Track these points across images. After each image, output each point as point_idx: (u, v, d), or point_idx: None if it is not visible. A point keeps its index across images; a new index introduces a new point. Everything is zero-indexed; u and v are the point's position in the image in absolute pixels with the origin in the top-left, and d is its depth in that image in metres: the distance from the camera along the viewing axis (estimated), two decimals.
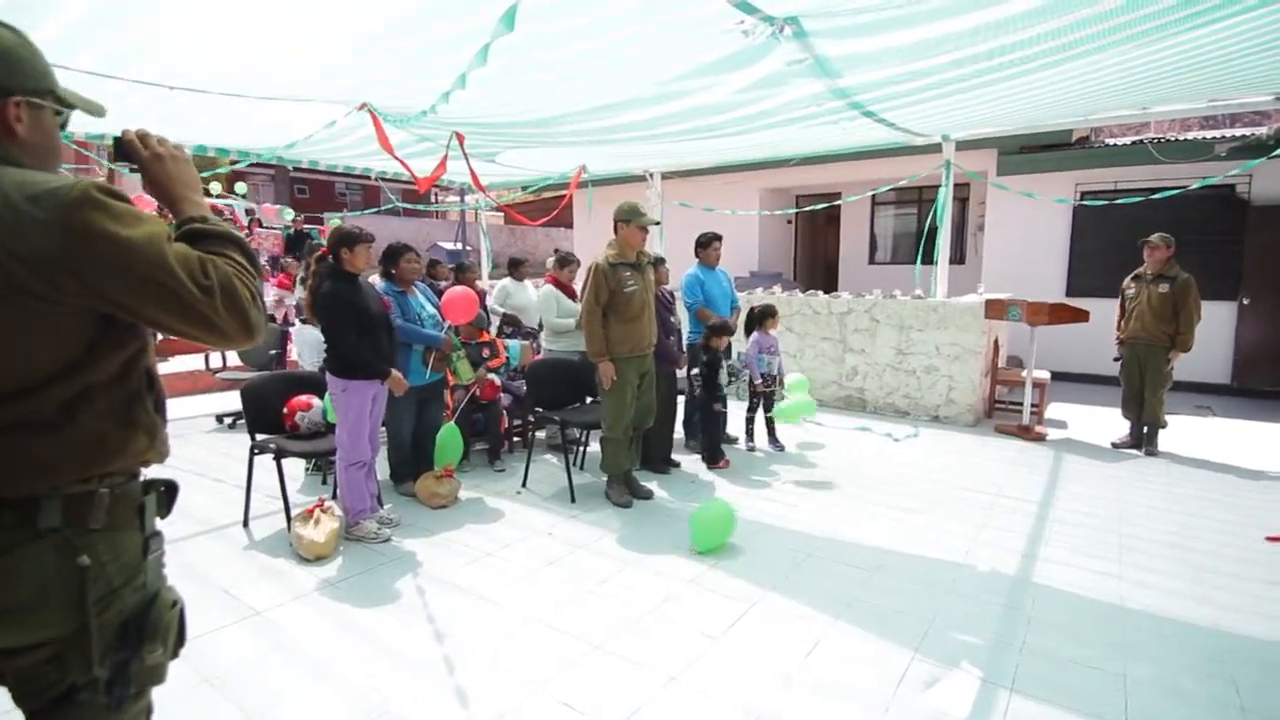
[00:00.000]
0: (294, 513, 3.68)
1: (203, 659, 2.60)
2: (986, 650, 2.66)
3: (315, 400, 4.06)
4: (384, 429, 4.13)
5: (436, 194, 25.19)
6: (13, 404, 1.09)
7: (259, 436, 3.91)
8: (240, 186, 16.50)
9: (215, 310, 1.14)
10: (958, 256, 10.93)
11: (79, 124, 5.31)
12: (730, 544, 3.63)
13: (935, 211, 6.52)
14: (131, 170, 1.31)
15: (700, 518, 3.58)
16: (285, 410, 3.99)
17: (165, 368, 8.33)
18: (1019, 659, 2.60)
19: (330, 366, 3.60)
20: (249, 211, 15.68)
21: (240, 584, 3.23)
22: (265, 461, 3.87)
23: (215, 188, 15.91)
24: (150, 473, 1.32)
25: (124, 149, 1.29)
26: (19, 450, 1.10)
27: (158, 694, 1.36)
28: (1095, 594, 3.11)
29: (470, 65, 2.84)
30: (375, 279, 4.25)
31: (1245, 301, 7.82)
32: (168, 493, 1.31)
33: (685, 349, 5.31)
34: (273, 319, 8.26)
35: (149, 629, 1.21)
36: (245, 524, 3.92)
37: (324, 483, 4.71)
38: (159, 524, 1.31)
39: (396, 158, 4.74)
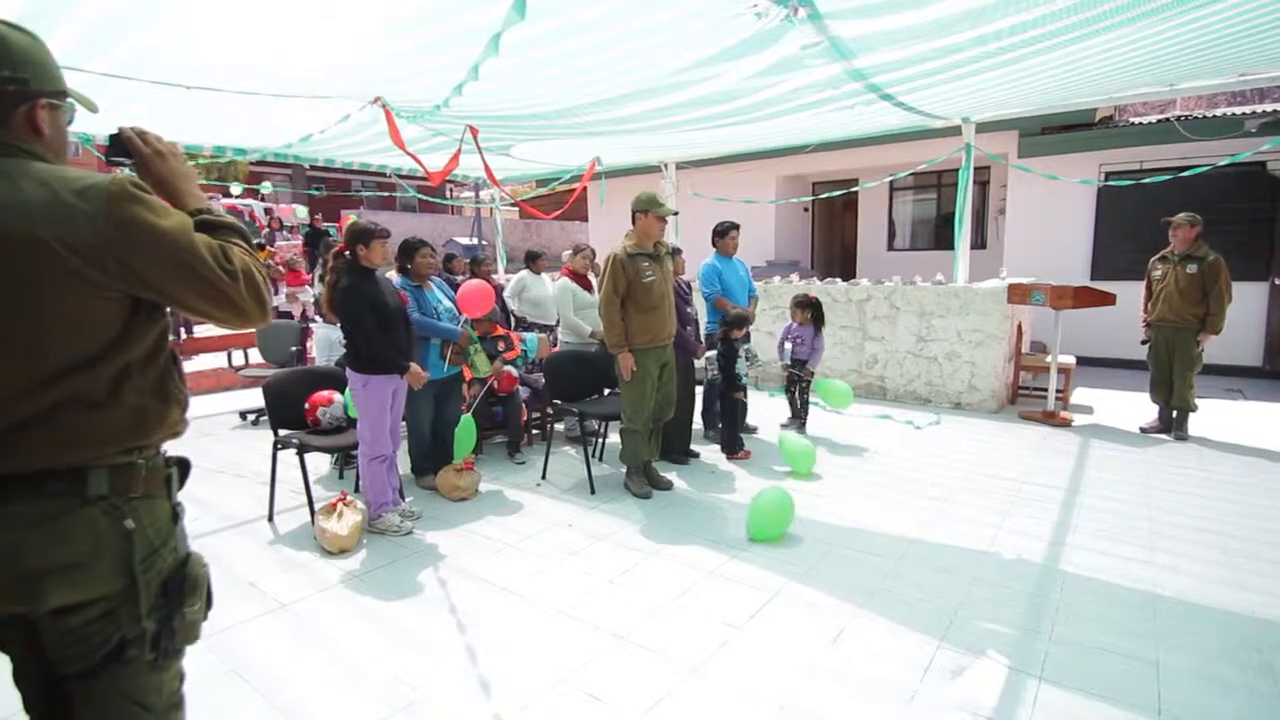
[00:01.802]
0: (317, 507, 3.72)
1: (230, 650, 2.63)
2: (1014, 639, 2.62)
3: (336, 395, 4.09)
4: (404, 423, 4.15)
5: (451, 189, 25.27)
6: (65, 381, 1.18)
7: (282, 432, 3.95)
8: (265, 185, 16.72)
9: (239, 293, 1.27)
10: (979, 241, 10.77)
11: (97, 126, 5.38)
12: (750, 534, 3.62)
13: (957, 196, 6.42)
14: (113, 165, 1.36)
15: (760, 507, 3.58)
16: (307, 406, 4.03)
17: (189, 366, 8.45)
18: (1048, 647, 2.55)
19: (350, 362, 3.62)
20: (268, 210, 15.89)
21: (266, 577, 3.27)
22: (288, 456, 3.91)
23: (236, 189, 16.11)
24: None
25: (122, 145, 1.35)
26: (72, 425, 1.19)
27: (187, 686, 1.39)
28: (1126, 581, 3.06)
29: (482, 56, 2.83)
30: (393, 274, 4.27)
31: (1277, 282, 7.62)
32: (181, 468, 1.41)
33: (703, 339, 5.29)
34: (290, 315, 8.35)
35: (188, 585, 1.32)
36: (270, 518, 3.96)
37: (340, 477, 4.75)
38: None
39: (408, 152, 4.76)
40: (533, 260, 6.45)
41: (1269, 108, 7.98)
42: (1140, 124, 8.48)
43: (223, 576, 3.26)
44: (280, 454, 3.94)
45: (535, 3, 2.42)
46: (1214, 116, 8.01)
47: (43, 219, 1.12)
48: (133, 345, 1.25)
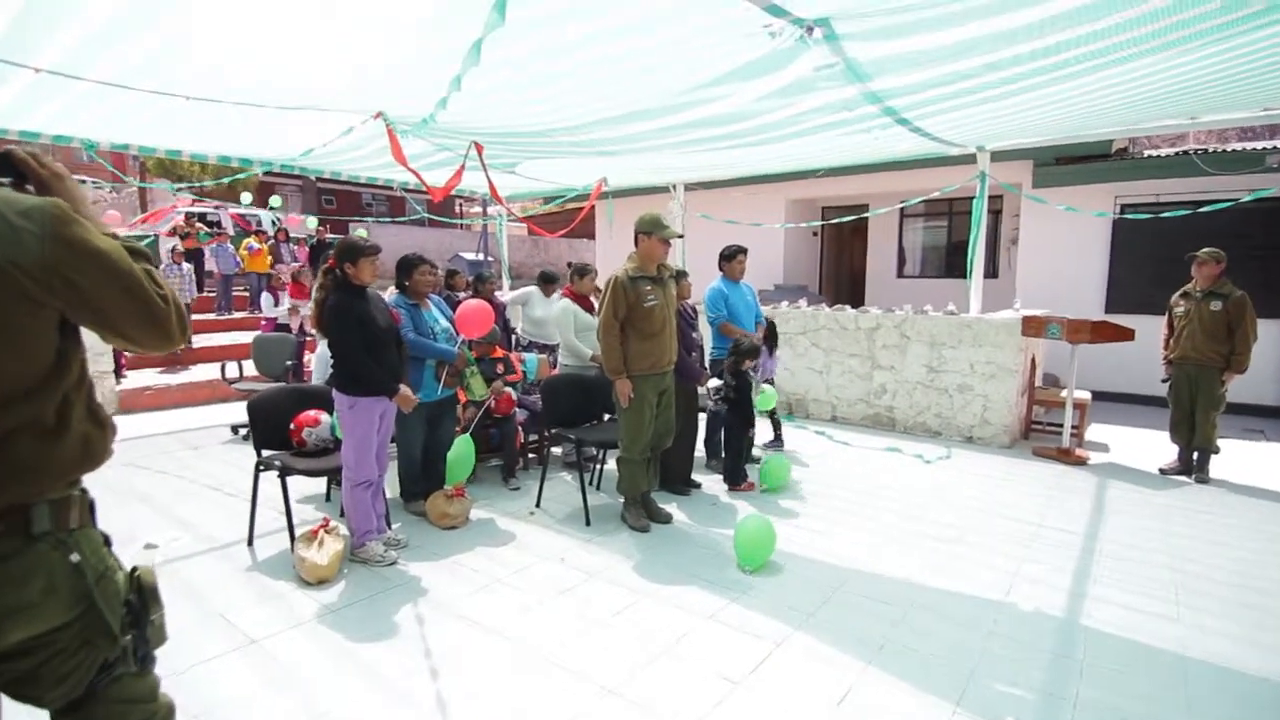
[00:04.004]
0: (298, 532, 3.55)
1: (195, 690, 2.46)
2: (1035, 704, 2.42)
3: (323, 416, 3.94)
4: (394, 445, 3.99)
5: (460, 206, 25.30)
6: (17, 407, 1.18)
7: (265, 453, 3.79)
8: (275, 199, 16.86)
9: (169, 317, 1.30)
10: (990, 271, 10.62)
11: (103, 134, 5.31)
12: (754, 576, 3.43)
13: (972, 225, 6.28)
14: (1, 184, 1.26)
15: (743, 536, 3.52)
16: (291, 426, 3.88)
17: (184, 376, 8.33)
18: (1072, 714, 2.36)
19: (337, 383, 3.47)
20: (275, 221, 15.91)
21: (238, 608, 3.10)
22: (274, 475, 3.75)
23: (246, 198, 16.16)
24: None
25: (12, 166, 1.26)
26: (26, 454, 1.19)
27: None
28: (1152, 640, 2.86)
29: (464, 66, 2.72)
30: (390, 292, 4.14)
31: None
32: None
33: (708, 365, 5.13)
34: (288, 329, 8.25)
35: (146, 594, 1.39)
36: (250, 543, 3.79)
37: (328, 499, 4.58)
38: None
39: (409, 168, 4.65)
40: (547, 283, 6.28)
41: None
42: (1158, 156, 8.35)
43: (194, 607, 3.09)
44: (266, 474, 3.78)
45: (532, 13, 2.30)
46: (1235, 150, 7.88)
47: None
48: (68, 371, 1.25)
